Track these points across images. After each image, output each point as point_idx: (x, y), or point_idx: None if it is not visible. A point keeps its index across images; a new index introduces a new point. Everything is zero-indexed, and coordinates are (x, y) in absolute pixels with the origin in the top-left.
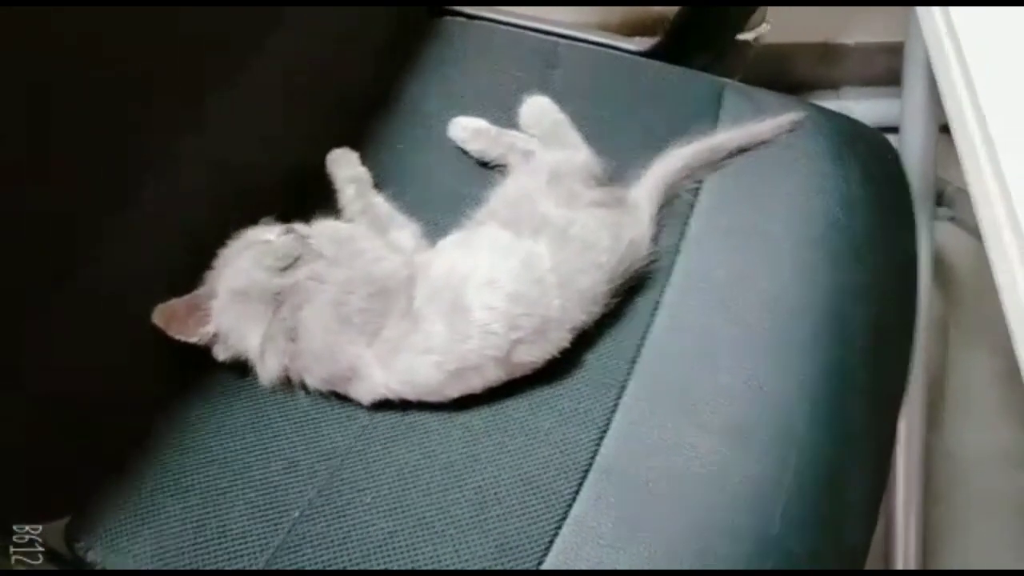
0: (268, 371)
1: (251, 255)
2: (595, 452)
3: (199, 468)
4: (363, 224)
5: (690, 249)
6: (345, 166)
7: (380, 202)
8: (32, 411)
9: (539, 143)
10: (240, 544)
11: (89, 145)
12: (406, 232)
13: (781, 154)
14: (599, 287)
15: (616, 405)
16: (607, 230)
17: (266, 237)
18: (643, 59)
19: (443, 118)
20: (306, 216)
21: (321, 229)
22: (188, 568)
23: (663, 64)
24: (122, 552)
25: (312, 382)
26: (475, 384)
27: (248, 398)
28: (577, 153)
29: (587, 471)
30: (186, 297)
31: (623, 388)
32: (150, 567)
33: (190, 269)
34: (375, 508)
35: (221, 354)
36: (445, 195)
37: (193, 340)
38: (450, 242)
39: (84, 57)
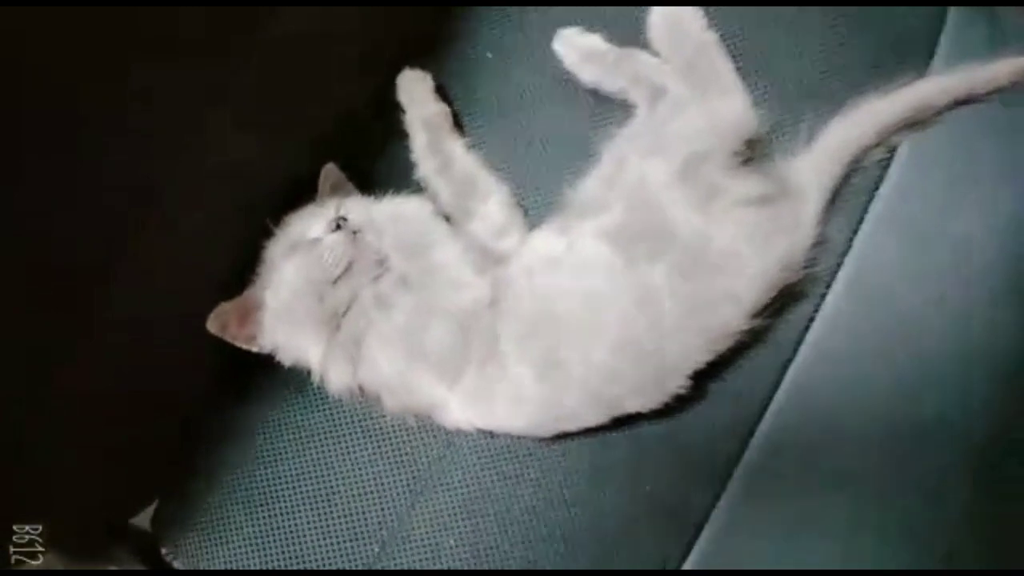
0: (334, 388)
1: (297, 263)
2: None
3: (271, 481)
4: (441, 186)
5: (865, 248)
6: (418, 100)
7: (460, 156)
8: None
9: (675, 75)
10: None
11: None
12: (493, 202)
13: (1018, 117)
14: (734, 323)
15: (739, 456)
16: (755, 246)
17: (313, 234)
18: None
19: (548, 23)
20: (366, 175)
21: (383, 216)
22: None
23: None
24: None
25: (386, 406)
26: (573, 428)
27: (323, 402)
28: (727, 103)
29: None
30: (237, 301)
31: (750, 435)
32: None
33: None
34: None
35: (284, 361)
36: (547, 136)
37: (252, 349)
38: (544, 246)
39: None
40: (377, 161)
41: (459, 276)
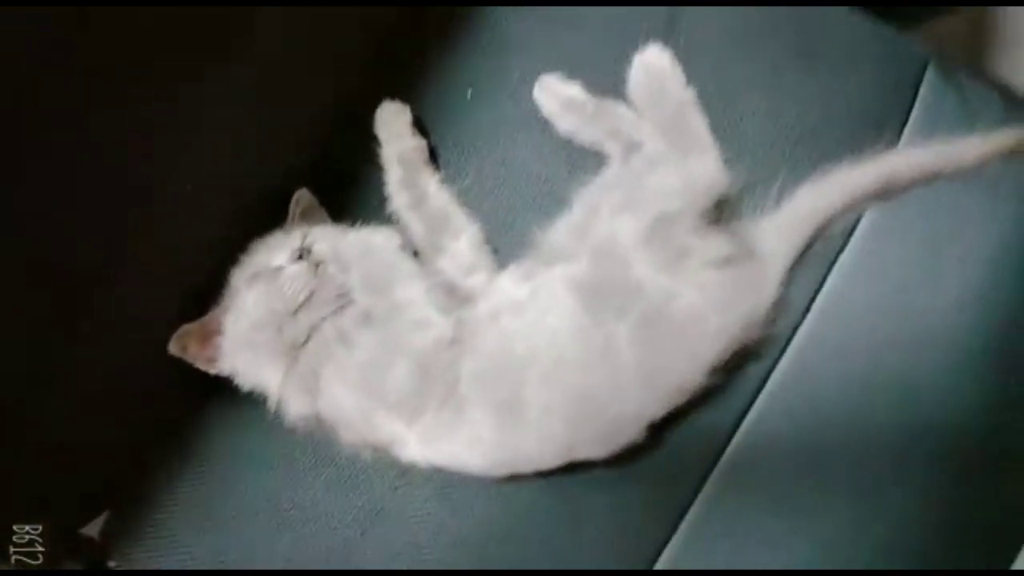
0: (291, 416)
1: (258, 291)
2: (656, 554)
3: (222, 502)
4: (413, 220)
5: (823, 313)
6: (395, 134)
7: (434, 193)
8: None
9: (651, 131)
10: None
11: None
12: (463, 240)
13: (982, 194)
14: (693, 379)
15: (691, 502)
16: (718, 307)
17: (276, 263)
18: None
19: (529, 66)
20: (339, 201)
21: (349, 248)
22: None
23: (845, 10)
24: None
25: (342, 438)
26: (527, 471)
27: (279, 428)
28: (701, 163)
29: None
30: (198, 323)
31: (701, 483)
32: None
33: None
34: None
35: (243, 386)
36: (520, 176)
37: (211, 371)
38: (510, 289)
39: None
40: (351, 188)
41: (422, 315)
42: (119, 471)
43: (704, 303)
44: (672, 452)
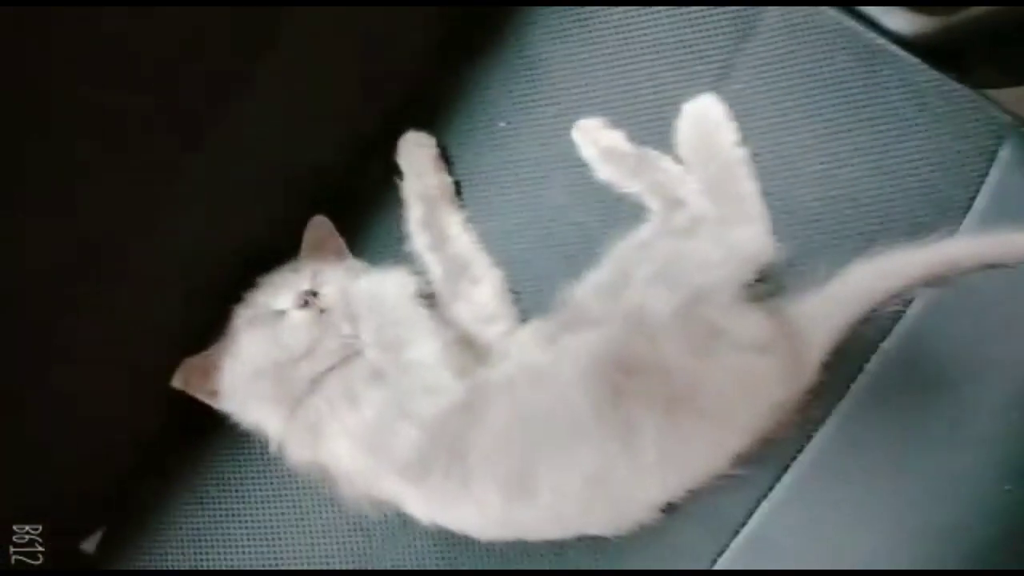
0: (292, 462)
1: (257, 337)
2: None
3: (219, 532)
4: (432, 263)
5: (851, 408)
6: (417, 169)
7: (455, 236)
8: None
9: (697, 190)
10: None
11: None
12: (484, 288)
13: None
14: (715, 467)
15: None
16: (749, 396)
17: (279, 305)
18: (896, 50)
19: (569, 102)
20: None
21: (360, 295)
22: None
23: (921, 65)
24: None
25: (343, 490)
26: (534, 539)
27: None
28: (746, 232)
29: None
30: (202, 355)
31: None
32: None
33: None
34: None
35: (242, 425)
36: (549, 221)
37: (215, 406)
38: (529, 354)
39: None
40: (374, 216)
41: (434, 380)
42: (117, 487)
43: (734, 392)
44: (683, 537)
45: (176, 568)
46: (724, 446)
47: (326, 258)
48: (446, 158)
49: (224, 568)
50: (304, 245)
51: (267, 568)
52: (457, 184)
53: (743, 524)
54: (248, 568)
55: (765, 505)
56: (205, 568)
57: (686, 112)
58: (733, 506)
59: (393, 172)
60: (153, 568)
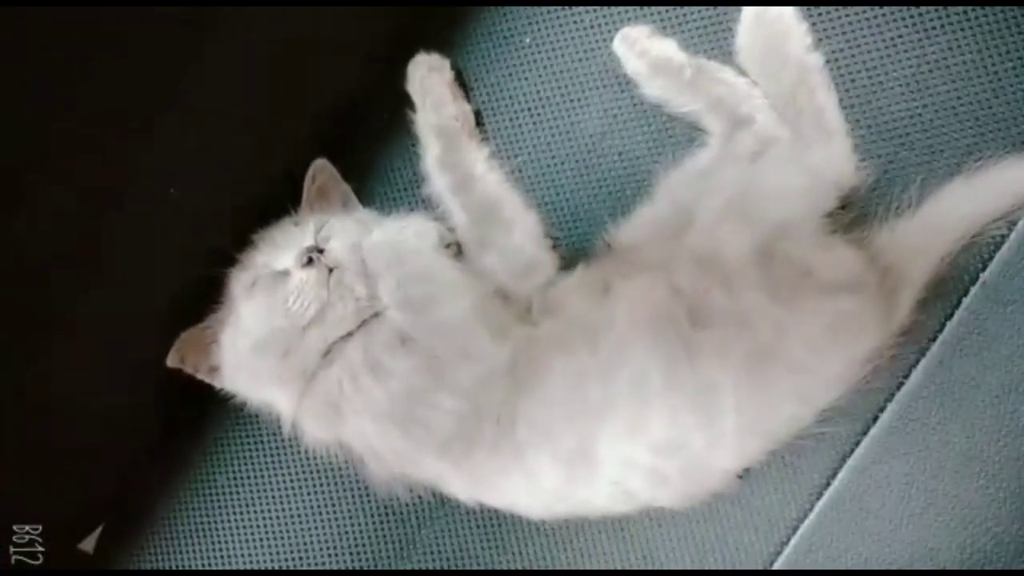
0: (309, 441)
1: (256, 305)
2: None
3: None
4: (456, 208)
5: (952, 347)
6: (432, 98)
7: (482, 175)
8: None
9: (765, 104)
10: None
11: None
12: (518, 234)
13: None
14: (800, 424)
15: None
16: (839, 343)
17: (280, 265)
18: None
19: (606, 9)
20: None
21: (375, 249)
22: None
23: None
24: None
25: (371, 470)
26: (594, 516)
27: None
28: (828, 152)
29: None
30: (197, 328)
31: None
32: None
33: None
34: None
35: (249, 405)
36: (589, 152)
37: (215, 384)
38: (580, 309)
39: None
40: (380, 160)
41: (473, 343)
42: (116, 486)
43: (823, 341)
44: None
45: (176, 568)
46: (812, 403)
47: (331, 208)
48: (464, 83)
49: (224, 568)
50: (305, 195)
51: (267, 568)
52: (478, 114)
53: (826, 486)
54: (248, 568)
55: (850, 463)
56: (205, 568)
57: (748, 14)
58: (813, 467)
59: (403, 103)
60: (153, 568)
